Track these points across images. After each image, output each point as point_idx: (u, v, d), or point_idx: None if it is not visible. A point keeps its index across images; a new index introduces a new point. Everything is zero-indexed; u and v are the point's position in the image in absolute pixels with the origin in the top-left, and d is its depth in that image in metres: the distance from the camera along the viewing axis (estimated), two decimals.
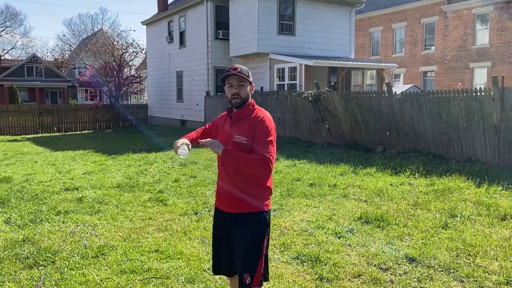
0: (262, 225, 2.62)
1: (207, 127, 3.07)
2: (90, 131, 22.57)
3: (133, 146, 13.87)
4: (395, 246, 4.52)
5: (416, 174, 7.93)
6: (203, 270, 4.01)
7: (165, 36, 22.66)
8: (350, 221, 5.40)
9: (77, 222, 5.48)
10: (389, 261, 4.14)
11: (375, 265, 4.08)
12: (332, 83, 17.55)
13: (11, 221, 5.51)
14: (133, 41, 34.67)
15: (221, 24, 18.67)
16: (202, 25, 18.96)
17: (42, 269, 4.03)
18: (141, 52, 27.53)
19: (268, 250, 2.78)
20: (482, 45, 23.40)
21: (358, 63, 17.64)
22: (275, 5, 16.67)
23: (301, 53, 17.04)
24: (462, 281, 3.74)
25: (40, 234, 5.00)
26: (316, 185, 7.35)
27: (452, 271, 3.92)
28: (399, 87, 20.15)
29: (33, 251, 4.40)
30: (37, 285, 3.72)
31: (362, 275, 3.87)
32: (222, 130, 2.75)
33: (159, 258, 4.28)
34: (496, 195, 6.41)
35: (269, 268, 2.81)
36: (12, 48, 60.85)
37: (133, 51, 25.92)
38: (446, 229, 5.02)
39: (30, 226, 5.32)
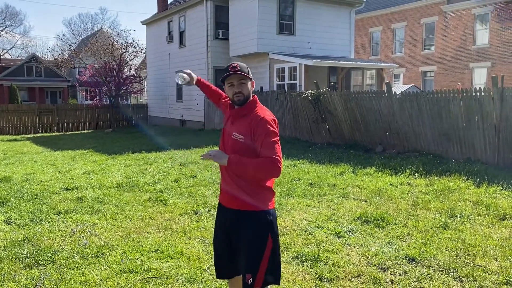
0: (265, 225, 2.55)
1: (217, 89, 3.12)
2: (89, 131, 22.57)
3: (133, 145, 13.87)
4: (395, 246, 4.52)
5: (416, 174, 7.93)
6: (203, 269, 4.01)
7: (165, 36, 22.66)
8: (350, 221, 5.41)
9: (77, 222, 5.48)
10: (388, 261, 4.15)
11: (374, 265, 4.08)
12: (332, 83, 17.56)
13: (11, 221, 5.51)
14: (133, 41, 34.66)
15: (221, 24, 18.67)
16: (202, 25, 18.96)
17: (42, 269, 4.03)
18: (141, 52, 27.54)
19: (278, 252, 2.65)
20: (482, 45, 23.41)
21: (358, 63, 17.65)
22: (275, 5, 16.68)
23: (301, 53, 17.05)
24: (461, 281, 3.74)
25: (40, 233, 5.00)
26: (315, 185, 7.36)
27: (451, 271, 3.92)
28: (398, 87, 20.15)
29: (33, 251, 4.40)
30: (37, 285, 3.72)
31: (361, 275, 3.88)
32: (226, 122, 2.70)
33: (159, 258, 4.28)
34: (495, 195, 6.42)
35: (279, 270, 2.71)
36: (12, 47, 60.88)
37: (133, 51, 25.93)
38: (445, 229, 5.02)
39: (30, 225, 5.32)
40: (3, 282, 3.76)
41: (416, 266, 4.03)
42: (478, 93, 8.81)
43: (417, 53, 26.73)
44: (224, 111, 2.94)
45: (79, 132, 22.32)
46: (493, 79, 8.61)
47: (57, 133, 21.60)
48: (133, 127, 23.30)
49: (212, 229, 4.52)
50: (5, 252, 4.41)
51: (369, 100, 10.96)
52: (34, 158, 11.50)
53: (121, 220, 5.57)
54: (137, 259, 4.25)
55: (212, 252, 4.26)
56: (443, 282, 3.72)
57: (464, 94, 9.08)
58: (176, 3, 22.72)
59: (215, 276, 2.89)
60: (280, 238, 4.76)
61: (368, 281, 3.76)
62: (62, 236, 4.95)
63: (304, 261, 4.16)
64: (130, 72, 26.62)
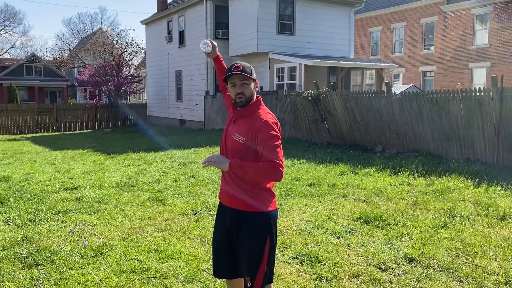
0: (264, 227, 2.53)
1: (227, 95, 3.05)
2: (89, 131, 22.57)
3: (132, 145, 13.86)
4: (394, 246, 4.52)
5: (415, 174, 7.93)
6: (202, 269, 4.01)
7: (165, 35, 22.65)
8: (349, 221, 5.40)
9: (76, 222, 5.48)
10: (388, 261, 4.15)
11: (374, 265, 4.08)
12: (332, 83, 17.55)
13: (10, 221, 5.50)
14: (133, 40, 34.67)
15: (221, 23, 18.67)
16: (201, 25, 18.96)
17: (41, 269, 4.03)
18: (140, 52, 27.55)
19: (276, 252, 2.69)
20: (481, 45, 23.42)
21: (358, 63, 17.65)
22: (274, 4, 16.67)
23: (300, 53, 17.05)
24: (461, 281, 3.74)
25: (39, 233, 5.00)
26: (315, 185, 7.35)
27: (451, 271, 3.92)
28: (398, 87, 20.16)
29: (32, 251, 4.39)
30: (36, 285, 3.71)
31: (361, 275, 3.88)
32: (227, 123, 2.68)
33: (158, 258, 4.27)
34: (495, 195, 6.42)
35: (273, 270, 2.72)
36: (11, 47, 60.84)
37: (132, 51, 25.93)
38: (445, 229, 5.02)
39: (29, 225, 5.32)
40: (2, 282, 3.76)
41: (416, 266, 4.03)
42: (477, 93, 8.81)
43: (417, 53, 26.74)
44: (228, 104, 2.86)
45: (78, 131, 22.32)
46: (492, 79, 8.61)
47: (57, 133, 21.59)
48: (133, 126, 23.29)
49: (212, 229, 4.51)
50: (4, 252, 4.40)
51: (368, 100, 10.96)
52: (33, 158, 11.49)
53: (120, 220, 5.57)
54: (137, 259, 4.25)
55: (211, 253, 4.27)
56: (442, 282, 3.72)
57: (463, 94, 9.08)
58: (176, 3, 22.72)
59: (213, 276, 2.87)
60: (279, 238, 4.77)
61: (367, 281, 3.76)
62: (61, 236, 4.95)
63: (304, 261, 4.16)
64: (129, 71, 26.61)
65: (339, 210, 5.89)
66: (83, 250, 4.48)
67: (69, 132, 22.17)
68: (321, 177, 7.91)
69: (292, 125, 13.56)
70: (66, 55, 34.59)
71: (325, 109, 12.17)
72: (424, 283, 3.71)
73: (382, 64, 19.38)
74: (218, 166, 2.49)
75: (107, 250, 4.48)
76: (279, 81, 16.70)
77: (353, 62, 17.18)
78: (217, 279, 3.72)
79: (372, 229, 5.07)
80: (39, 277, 3.85)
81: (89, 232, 5.08)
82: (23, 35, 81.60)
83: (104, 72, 22.62)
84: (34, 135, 20.69)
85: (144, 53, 28.58)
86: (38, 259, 4.20)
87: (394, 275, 3.89)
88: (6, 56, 54.88)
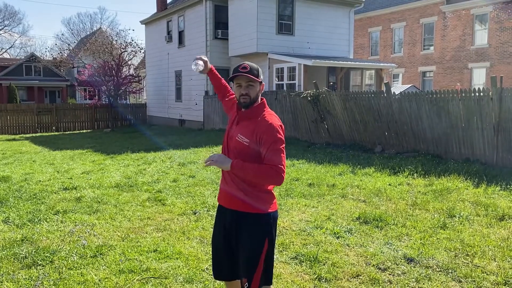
0: (263, 229, 2.53)
1: (227, 86, 3.03)
2: (88, 131, 22.56)
3: (132, 145, 13.86)
4: (394, 246, 4.53)
5: (415, 174, 7.94)
6: (201, 270, 4.01)
7: (164, 35, 22.64)
8: (349, 221, 5.41)
9: (76, 222, 5.48)
10: (387, 261, 4.15)
11: (373, 265, 4.08)
12: (331, 83, 17.56)
13: (10, 221, 5.50)
14: (132, 40, 34.58)
15: (220, 23, 18.67)
16: (201, 25, 18.96)
17: (40, 269, 4.03)
18: (140, 52, 27.51)
19: (274, 253, 2.68)
20: (481, 45, 23.44)
21: (357, 63, 17.65)
22: (274, 5, 16.67)
23: (300, 53, 17.05)
24: (460, 281, 3.74)
25: (38, 233, 5.00)
26: (314, 185, 7.36)
27: (450, 271, 3.93)
28: (398, 87, 20.16)
29: (32, 251, 4.39)
30: (36, 285, 3.71)
31: (360, 275, 3.88)
32: (230, 123, 2.66)
33: (157, 258, 4.27)
34: (494, 195, 6.43)
35: (272, 272, 2.71)
36: (11, 47, 60.86)
37: (132, 51, 25.89)
38: (444, 229, 5.03)
39: (29, 225, 5.31)
40: (1, 282, 3.76)
41: (415, 267, 4.03)
42: (477, 94, 8.82)
43: (416, 53, 26.75)
44: (228, 109, 2.87)
45: (78, 131, 22.31)
46: (492, 79, 8.62)
47: (56, 133, 21.58)
48: (132, 126, 23.27)
49: (211, 229, 4.51)
50: (3, 252, 4.40)
51: (368, 100, 10.96)
52: (32, 158, 11.48)
53: (119, 220, 5.57)
54: (136, 259, 4.25)
55: (211, 253, 4.27)
56: (441, 282, 3.73)
57: (463, 95, 9.09)
58: (175, 2, 22.71)
59: (213, 277, 2.87)
60: (279, 238, 4.77)
61: (366, 282, 3.77)
62: (60, 236, 4.95)
63: (303, 261, 4.16)
64: (129, 71, 26.58)
65: (338, 210, 5.89)
66: (83, 250, 4.48)
67: (68, 132, 22.16)
68: (320, 177, 7.92)
69: (292, 125, 13.56)
70: (66, 55, 34.56)
71: (325, 109, 12.17)
72: (423, 283, 3.71)
73: (381, 64, 19.39)
74: (219, 165, 2.47)
75: (106, 250, 4.48)
76: (278, 81, 16.70)
77: (352, 62, 17.18)
78: (216, 280, 3.72)
79: (372, 229, 5.08)
80: (39, 277, 3.84)
81: (88, 232, 5.08)
82: (23, 35, 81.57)
83: (104, 72, 22.60)
84: (34, 135, 20.68)
85: (143, 53, 28.57)
86: (38, 259, 4.20)
87: (393, 275, 3.89)
88: (6, 56, 54.89)
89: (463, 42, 24.22)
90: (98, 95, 25.15)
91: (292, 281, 3.79)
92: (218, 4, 18.51)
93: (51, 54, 40.55)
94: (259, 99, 2.58)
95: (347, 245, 4.61)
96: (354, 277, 3.86)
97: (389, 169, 8.43)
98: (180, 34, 21.16)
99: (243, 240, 2.54)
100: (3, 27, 56.51)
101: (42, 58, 40.88)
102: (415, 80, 26.60)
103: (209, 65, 3.00)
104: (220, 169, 2.62)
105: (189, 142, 13.75)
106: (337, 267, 4.02)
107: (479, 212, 5.64)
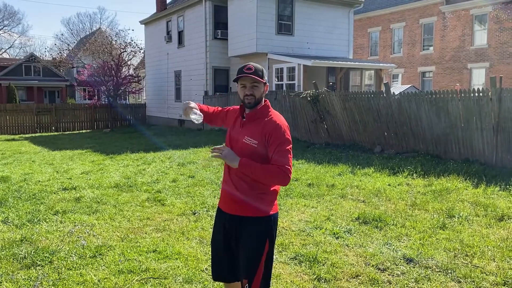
0: (264, 231, 2.52)
1: (218, 109, 2.89)
2: (88, 131, 22.54)
3: (131, 145, 13.86)
4: (393, 247, 4.53)
5: (414, 175, 7.94)
6: (201, 270, 4.01)
7: (164, 35, 22.64)
8: (348, 222, 5.41)
9: (75, 222, 5.47)
10: (387, 262, 4.15)
11: (373, 266, 4.08)
12: (331, 83, 17.56)
13: (9, 221, 5.50)
14: (132, 40, 34.50)
15: (220, 24, 18.66)
16: (200, 25, 18.96)
17: (39, 269, 4.03)
18: (140, 52, 27.50)
19: (273, 258, 2.65)
20: (480, 45, 23.45)
21: (357, 63, 17.65)
22: (273, 5, 16.67)
23: (299, 53, 17.05)
24: (459, 282, 3.75)
25: (37, 234, 4.99)
26: (314, 185, 7.36)
27: (449, 271, 3.93)
28: (397, 88, 20.18)
29: (31, 251, 4.39)
30: (35, 285, 3.71)
31: (359, 276, 3.88)
32: (232, 128, 2.63)
33: (157, 258, 4.27)
34: (493, 196, 6.43)
35: (270, 275, 2.69)
36: (10, 47, 60.79)
37: (131, 51, 25.89)
38: (443, 230, 5.03)
39: (28, 226, 5.31)
40: (1, 282, 3.76)
41: (414, 267, 4.04)
42: (476, 94, 8.83)
43: (416, 53, 26.76)
44: (225, 119, 2.80)
45: (77, 132, 22.29)
46: (491, 79, 8.62)
47: (55, 133, 21.57)
48: (132, 127, 23.26)
49: (210, 230, 4.51)
50: (2, 253, 4.40)
51: (367, 100, 10.97)
52: (32, 158, 11.48)
53: (119, 221, 5.56)
54: (135, 259, 4.25)
55: (210, 253, 4.26)
56: (441, 282, 3.73)
57: (462, 95, 9.09)
58: (175, 3, 22.71)
59: (212, 279, 2.86)
60: (278, 239, 4.77)
61: (366, 282, 3.77)
62: (60, 236, 4.94)
63: (302, 262, 4.16)
64: (128, 72, 26.58)
65: (338, 211, 5.89)
66: (82, 250, 4.47)
67: (68, 132, 22.14)
68: (320, 177, 7.92)
69: (291, 125, 13.55)
70: (65, 55, 34.55)
71: (324, 109, 12.18)
72: (423, 284, 3.71)
73: (381, 64, 19.39)
74: (227, 161, 2.45)
75: (105, 250, 4.48)
76: (278, 81, 16.71)
77: (352, 63, 17.18)
78: (216, 281, 3.72)
79: (371, 230, 5.08)
80: (38, 278, 3.84)
81: (87, 232, 5.08)
82: (22, 35, 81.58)
83: (103, 72, 22.59)
84: (33, 135, 20.66)
85: (143, 53, 28.56)
86: (37, 260, 4.20)
87: (393, 275, 3.89)
88: (5, 56, 54.85)
89: (462, 42, 24.24)
90: (98, 95, 25.14)
91: (291, 281, 3.79)
92: (217, 4, 18.51)
93: (51, 54, 40.52)
94: (263, 101, 2.58)
95: (347, 245, 4.61)
96: (354, 278, 3.86)
97: (388, 170, 8.43)
98: (180, 34, 21.15)
99: (244, 241, 2.52)
100: (2, 27, 56.51)
101: (41, 58, 40.83)
102: (415, 80, 26.61)
103: (196, 105, 2.80)
104: (222, 170, 2.60)
105: (188, 142, 13.75)
106: (337, 268, 4.02)
107: (479, 213, 5.64)
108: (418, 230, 5.04)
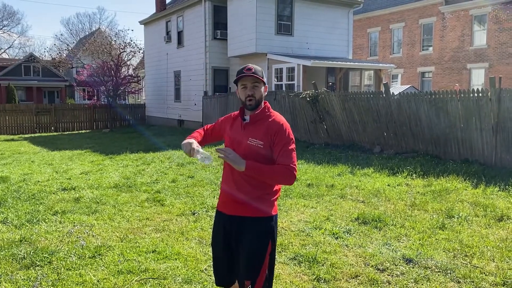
0: (267, 231, 2.53)
1: (208, 127, 2.88)
2: (87, 131, 22.53)
3: (131, 146, 13.85)
4: (392, 247, 4.53)
5: (414, 175, 7.94)
6: (200, 270, 4.01)
7: (163, 35, 22.63)
8: (348, 222, 5.41)
9: (74, 222, 5.47)
10: (386, 262, 4.15)
11: (372, 266, 4.08)
12: (330, 83, 17.56)
13: (8, 221, 5.49)
14: (131, 40, 34.51)
15: (219, 24, 18.66)
16: (200, 25, 18.95)
17: (38, 270, 4.02)
18: (139, 52, 27.50)
19: (274, 259, 2.65)
20: (480, 46, 23.47)
21: (356, 63, 17.66)
22: (273, 5, 16.67)
23: (299, 53, 17.05)
24: (459, 282, 3.75)
25: (37, 234, 4.99)
26: (313, 185, 7.36)
27: (449, 272, 3.93)
28: (397, 88, 20.19)
29: (30, 251, 4.39)
30: (34, 286, 3.71)
31: (359, 276, 3.88)
32: (231, 131, 2.62)
33: (156, 259, 4.27)
34: (493, 196, 6.43)
35: (273, 275, 2.68)
36: (10, 47, 60.73)
37: (131, 51, 25.88)
38: (443, 230, 5.03)
39: (27, 226, 5.31)
40: (0, 282, 3.76)
41: (414, 267, 4.03)
42: (476, 94, 8.83)
43: (415, 53, 26.77)
44: (223, 128, 2.75)
45: (76, 132, 22.28)
46: (490, 80, 8.63)
47: (55, 133, 21.55)
48: (131, 127, 23.25)
49: (210, 230, 4.52)
50: (2, 253, 4.39)
51: (367, 100, 10.97)
52: (31, 158, 11.47)
53: (118, 221, 5.56)
54: (135, 259, 4.25)
55: (209, 254, 4.26)
56: (440, 283, 3.73)
57: (462, 95, 9.10)
58: (175, 3, 22.70)
59: (212, 278, 2.86)
60: (277, 239, 4.76)
61: (365, 282, 3.77)
62: (59, 236, 4.94)
63: (302, 262, 4.16)
64: (128, 72, 26.57)
65: (337, 211, 5.89)
66: (81, 250, 4.47)
67: (67, 132, 22.13)
68: (319, 177, 7.92)
69: (291, 126, 13.31)
70: (65, 55, 34.54)
71: (324, 109, 12.18)
72: (422, 284, 3.71)
73: (380, 64, 19.40)
74: (234, 164, 2.42)
75: (105, 250, 4.47)
76: (277, 81, 16.70)
77: (351, 63, 17.19)
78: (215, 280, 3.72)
79: (370, 230, 5.08)
80: (37, 278, 3.84)
81: (87, 232, 5.08)
82: (21, 35, 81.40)
83: (103, 72, 22.58)
84: (32, 135, 20.64)
85: (142, 53, 28.56)
86: (36, 260, 4.20)
87: (392, 276, 3.89)
88: (4, 56, 54.81)
89: (462, 42, 24.25)
90: (97, 95, 25.12)
91: (291, 281, 3.78)
92: (217, 5, 18.51)
93: (50, 55, 40.49)
94: (264, 102, 2.60)
95: (346, 245, 4.61)
96: (353, 278, 3.86)
97: (388, 170, 8.43)
98: (179, 34, 21.15)
99: (245, 242, 2.51)
100: (1, 27, 56.49)
101: (41, 58, 40.80)
102: (414, 80, 26.63)
103: (196, 142, 2.68)
104: (222, 171, 2.60)
105: None
106: (336, 268, 4.02)
107: (478, 213, 5.65)
108: (418, 230, 5.04)
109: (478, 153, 8.91)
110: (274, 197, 2.59)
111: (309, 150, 11.46)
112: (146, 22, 24.86)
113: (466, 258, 4.24)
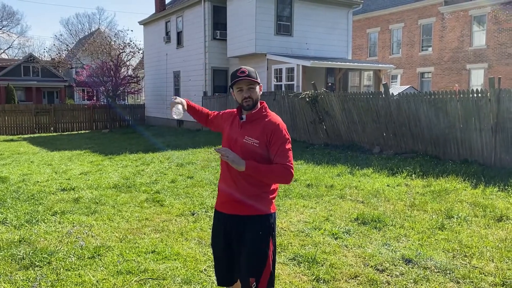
0: (267, 229, 2.55)
1: (211, 112, 3.03)
2: (87, 131, 22.52)
3: (130, 146, 13.85)
4: (392, 247, 4.53)
5: (413, 175, 7.94)
6: (199, 271, 4.00)
7: (163, 36, 22.63)
8: (347, 222, 5.41)
9: (74, 223, 5.46)
10: (385, 262, 4.15)
11: (371, 266, 4.08)
12: (330, 84, 17.57)
13: (7, 222, 5.49)
14: (130, 41, 34.44)
15: (219, 24, 18.67)
16: (199, 26, 18.96)
17: (38, 270, 4.02)
18: (138, 52, 27.50)
19: (276, 256, 2.69)
20: (479, 46, 23.49)
21: (355, 64, 17.67)
22: (272, 5, 16.68)
23: (298, 53, 17.05)
24: (458, 282, 3.75)
25: (36, 234, 4.99)
26: (313, 185, 7.36)
27: (448, 272, 3.93)
28: (396, 88, 20.21)
29: (29, 252, 4.38)
30: (33, 286, 3.70)
31: (358, 276, 3.88)
32: (229, 129, 2.67)
33: (155, 259, 4.27)
34: (492, 196, 6.43)
35: (274, 273, 2.69)
36: (9, 47, 60.69)
37: (130, 51, 25.89)
38: (442, 230, 5.03)
39: (26, 226, 5.30)
40: None
41: (413, 268, 4.04)
42: (475, 94, 8.84)
43: (415, 54, 26.79)
44: (219, 124, 2.88)
45: (76, 132, 22.27)
46: (490, 80, 8.64)
47: (54, 134, 21.54)
48: (130, 127, 23.25)
49: (209, 230, 4.51)
50: (1, 253, 4.39)
51: (366, 101, 10.97)
52: (30, 159, 11.46)
53: (117, 221, 5.56)
54: (134, 260, 4.24)
55: (209, 254, 4.26)
56: (439, 283, 3.73)
57: (461, 95, 9.10)
58: (174, 3, 22.70)
59: (212, 278, 2.86)
60: (277, 239, 4.77)
61: (365, 283, 3.77)
62: (58, 237, 4.94)
63: (301, 262, 4.16)
64: (127, 72, 26.56)
65: (336, 211, 5.89)
66: (80, 251, 4.47)
67: (66, 132, 22.12)
68: (319, 178, 7.92)
69: (290, 126, 13.55)
70: (64, 55, 34.55)
71: (323, 110, 12.18)
72: (422, 284, 3.71)
73: (380, 65, 19.41)
74: (233, 164, 2.44)
75: (104, 251, 4.47)
76: (277, 82, 16.70)
77: (351, 63, 17.19)
78: (215, 281, 3.72)
79: (370, 230, 5.08)
80: (36, 278, 3.83)
81: (86, 233, 5.07)
82: (21, 35, 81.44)
83: (102, 72, 22.56)
84: (32, 135, 20.63)
85: (142, 53, 28.56)
86: (35, 260, 4.19)
87: (392, 276, 3.89)
88: (4, 56, 54.77)
89: (461, 43, 24.27)
90: (97, 95, 25.10)
91: (290, 282, 3.78)
92: (216, 5, 18.51)
93: (49, 55, 40.50)
94: (260, 102, 2.64)
95: (345, 246, 4.61)
96: (352, 278, 3.85)
97: (387, 170, 8.43)
98: (179, 34, 21.15)
99: (246, 240, 2.53)
100: (1, 27, 56.45)
101: (40, 58, 40.81)
102: (414, 81, 26.64)
103: (185, 102, 2.93)
104: (220, 170, 2.63)
105: (187, 143, 13.74)
106: (335, 268, 4.02)
107: (477, 213, 5.65)
108: (417, 230, 5.05)
109: (477, 154, 8.91)
110: (272, 195, 2.63)
111: (308, 151, 11.46)
112: (145, 23, 24.86)
113: (465, 258, 4.24)
